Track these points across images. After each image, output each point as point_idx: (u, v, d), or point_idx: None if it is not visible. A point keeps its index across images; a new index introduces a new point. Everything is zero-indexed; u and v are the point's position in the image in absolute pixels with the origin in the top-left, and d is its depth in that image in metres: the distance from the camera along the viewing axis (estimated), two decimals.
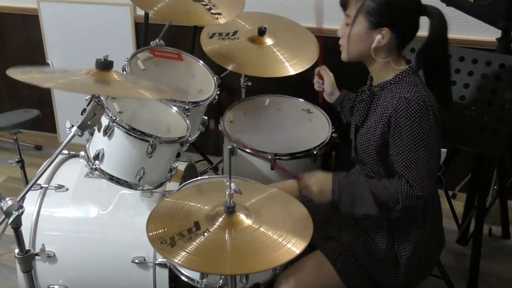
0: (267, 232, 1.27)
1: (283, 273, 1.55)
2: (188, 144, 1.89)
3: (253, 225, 1.29)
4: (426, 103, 1.39)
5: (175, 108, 1.92)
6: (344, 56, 1.55)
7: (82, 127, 1.42)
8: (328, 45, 1.84)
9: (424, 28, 1.49)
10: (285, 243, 1.24)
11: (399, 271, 1.52)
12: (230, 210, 1.30)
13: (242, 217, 1.31)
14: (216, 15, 2.13)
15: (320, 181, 1.53)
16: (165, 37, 2.26)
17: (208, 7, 2.14)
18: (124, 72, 1.98)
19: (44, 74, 1.40)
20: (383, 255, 1.52)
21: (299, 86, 2.35)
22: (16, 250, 1.42)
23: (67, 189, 1.82)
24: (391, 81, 1.49)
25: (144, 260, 1.71)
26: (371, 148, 1.52)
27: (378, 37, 1.44)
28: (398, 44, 1.48)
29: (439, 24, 1.43)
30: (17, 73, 1.32)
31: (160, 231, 1.28)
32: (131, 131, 1.64)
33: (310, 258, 1.56)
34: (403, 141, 1.40)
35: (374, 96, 1.54)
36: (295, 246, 1.23)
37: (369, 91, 1.55)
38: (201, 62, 2.26)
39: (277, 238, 1.26)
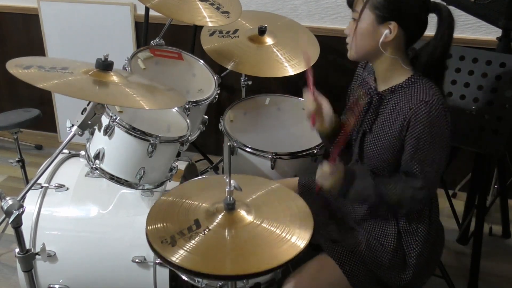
0: (269, 227, 1.27)
1: (289, 277, 1.53)
2: (188, 144, 1.89)
3: (255, 221, 1.29)
4: (444, 106, 1.39)
5: (175, 108, 1.92)
6: (351, 54, 1.50)
7: (83, 127, 1.42)
8: (328, 44, 1.83)
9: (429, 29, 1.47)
10: (288, 237, 1.23)
11: (407, 271, 1.51)
12: (230, 207, 1.30)
13: (242, 213, 1.31)
14: (225, 14, 2.11)
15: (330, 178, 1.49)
16: (165, 36, 2.25)
17: (215, 6, 2.12)
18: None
19: (42, 70, 1.40)
20: (391, 257, 1.51)
21: (300, 85, 2.35)
22: (17, 250, 1.42)
23: (67, 189, 1.82)
24: (403, 84, 1.45)
25: (145, 259, 1.71)
26: (382, 153, 1.48)
27: (385, 31, 1.41)
28: (406, 41, 1.44)
29: (447, 24, 1.41)
30: (16, 67, 1.30)
31: (159, 225, 1.28)
32: (132, 131, 1.64)
33: (315, 261, 1.54)
34: (420, 142, 1.40)
35: (382, 100, 1.50)
36: (299, 239, 1.23)
37: (377, 95, 1.51)
38: (202, 61, 2.26)
39: (280, 232, 1.25)
